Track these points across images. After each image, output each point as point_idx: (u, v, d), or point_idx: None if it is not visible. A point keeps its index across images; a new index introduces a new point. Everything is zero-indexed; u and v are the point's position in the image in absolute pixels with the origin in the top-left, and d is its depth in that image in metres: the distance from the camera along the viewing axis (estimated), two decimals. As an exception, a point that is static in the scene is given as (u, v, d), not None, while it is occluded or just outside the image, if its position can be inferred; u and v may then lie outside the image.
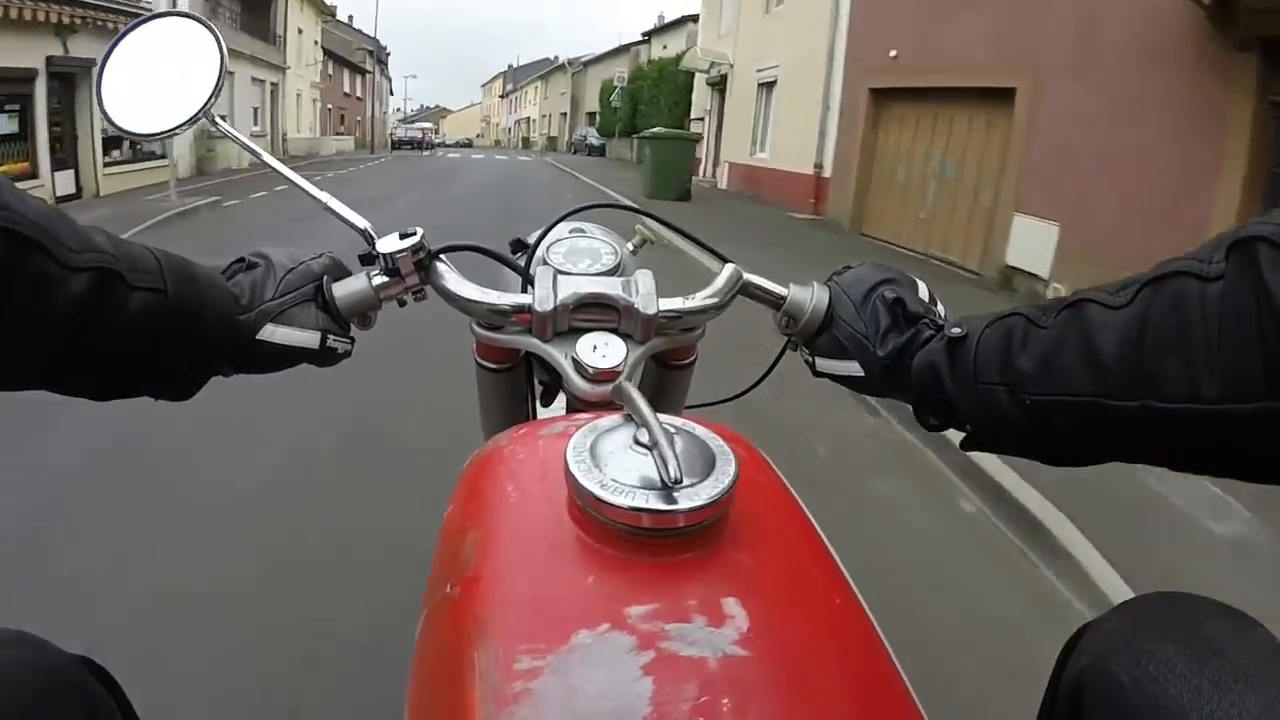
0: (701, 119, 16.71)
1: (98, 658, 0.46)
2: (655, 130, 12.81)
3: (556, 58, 49.85)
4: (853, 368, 0.63)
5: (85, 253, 0.45)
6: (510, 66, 70.42)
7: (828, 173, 10.16)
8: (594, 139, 30.95)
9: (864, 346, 0.62)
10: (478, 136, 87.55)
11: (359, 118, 40.01)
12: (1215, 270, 0.41)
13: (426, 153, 34.43)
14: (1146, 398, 0.42)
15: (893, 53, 8.31)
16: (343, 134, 32.54)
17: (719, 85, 15.35)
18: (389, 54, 57.70)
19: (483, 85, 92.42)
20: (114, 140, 10.47)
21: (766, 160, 12.66)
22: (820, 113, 10.19)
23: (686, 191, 11.66)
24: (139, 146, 10.87)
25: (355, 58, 40.88)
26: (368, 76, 43.53)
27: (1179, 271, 0.42)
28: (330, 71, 33.48)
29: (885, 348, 0.61)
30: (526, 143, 54.00)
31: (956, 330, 0.56)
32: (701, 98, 16.87)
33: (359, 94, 40.52)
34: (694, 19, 24.55)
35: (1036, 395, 0.49)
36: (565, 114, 41.76)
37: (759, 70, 12.80)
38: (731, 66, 14.34)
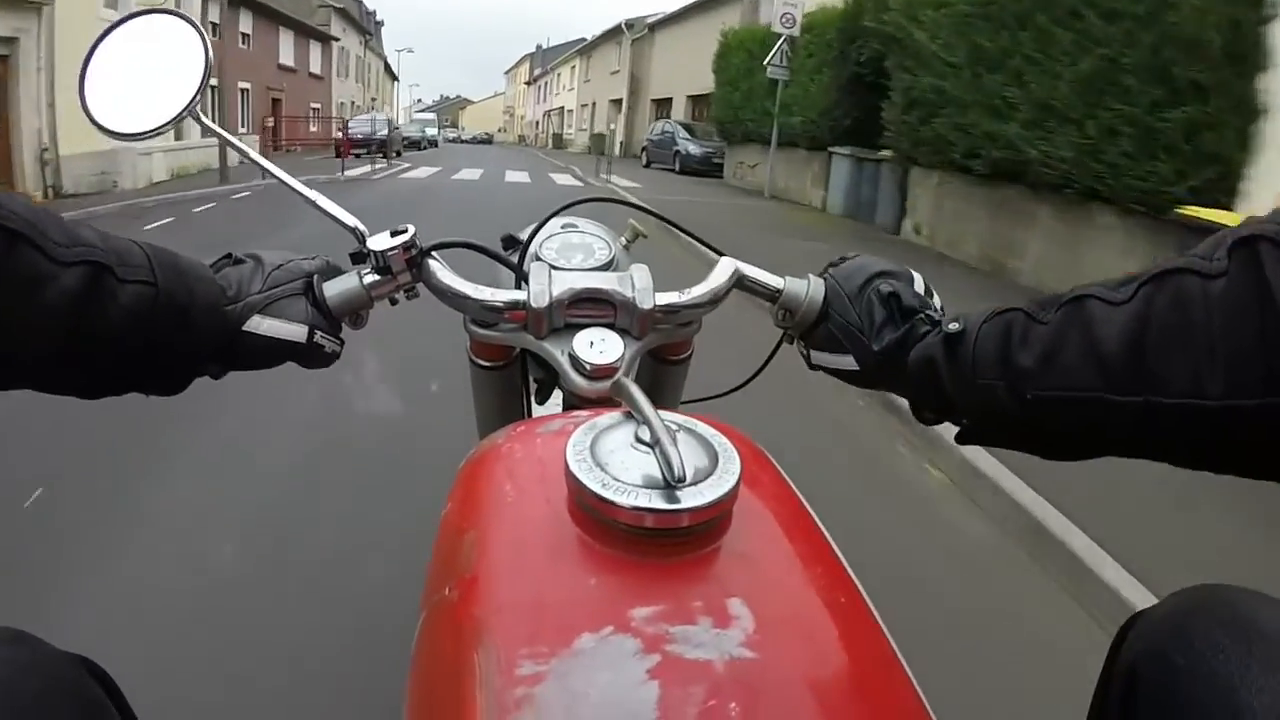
0: None
1: (95, 657, 0.44)
2: None
3: (587, 39, 36.60)
4: (848, 362, 0.62)
5: (74, 247, 0.45)
6: (539, 47, 57.47)
7: None
8: (690, 143, 16.42)
9: (859, 340, 0.62)
10: (499, 131, 75.13)
11: (315, 105, 27.09)
12: (1217, 268, 0.41)
13: (356, 172, 13.86)
14: (1149, 394, 0.43)
15: None
16: (273, 134, 19.52)
17: None
18: (381, 22, 44.81)
19: (505, 72, 78.99)
20: None
21: None
22: None
23: None
24: None
25: (315, 18, 27.95)
26: (333, 46, 30.60)
27: (1181, 269, 0.43)
28: (246, 28, 20.51)
29: (881, 342, 0.61)
30: (559, 141, 40.38)
31: (954, 326, 0.55)
32: None
33: (316, 70, 27.62)
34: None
35: (1037, 391, 0.49)
36: (620, 101, 28.35)
37: None
38: None
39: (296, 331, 0.56)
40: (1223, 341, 0.39)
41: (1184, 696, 0.40)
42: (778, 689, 0.33)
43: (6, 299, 0.41)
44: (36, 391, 0.47)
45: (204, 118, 0.65)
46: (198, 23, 0.65)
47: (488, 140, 62.58)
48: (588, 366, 0.57)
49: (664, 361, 0.73)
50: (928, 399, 0.58)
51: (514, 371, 0.72)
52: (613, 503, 0.37)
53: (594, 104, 33.18)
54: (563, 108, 42.35)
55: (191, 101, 0.62)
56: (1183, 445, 0.44)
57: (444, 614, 0.39)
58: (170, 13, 0.66)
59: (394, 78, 58.91)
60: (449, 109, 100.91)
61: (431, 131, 36.24)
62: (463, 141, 61.83)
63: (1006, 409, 0.51)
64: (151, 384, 0.53)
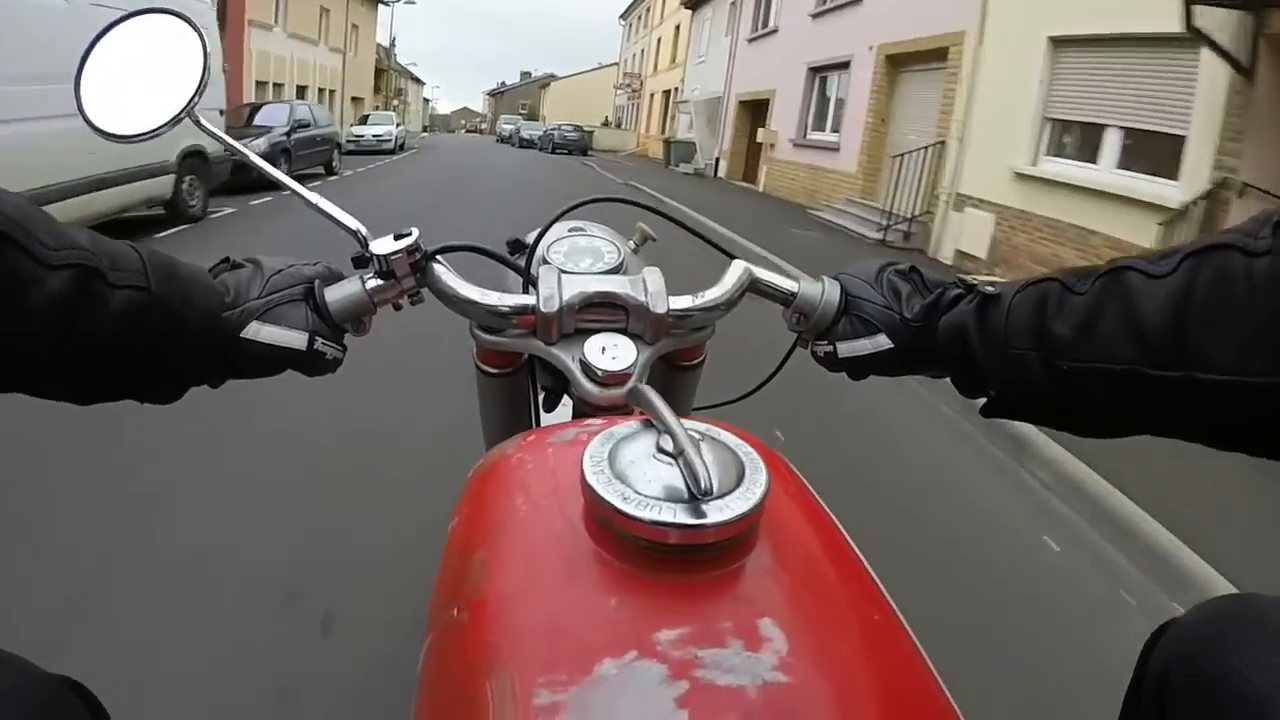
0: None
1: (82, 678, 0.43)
2: None
3: None
4: (879, 341, 0.60)
5: (64, 250, 0.44)
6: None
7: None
8: None
9: (888, 316, 0.60)
10: (608, 125, 39.66)
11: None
12: (1262, 245, 0.40)
13: None
14: (1190, 368, 0.42)
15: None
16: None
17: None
18: None
19: (621, 16, 44.04)
20: None
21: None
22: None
23: None
24: None
25: None
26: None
27: (1224, 244, 0.42)
28: None
29: (912, 309, 0.59)
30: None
31: (991, 289, 0.54)
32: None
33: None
34: None
35: (1072, 363, 0.48)
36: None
37: None
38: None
39: (296, 339, 0.55)
40: (1266, 319, 0.39)
41: (1216, 704, 0.40)
42: (814, 716, 0.31)
43: None
44: (26, 395, 0.46)
45: (203, 120, 0.63)
46: (197, 22, 0.64)
47: (578, 144, 25.87)
48: (599, 373, 0.56)
49: (676, 367, 0.72)
50: (958, 370, 0.57)
51: (522, 378, 0.71)
52: (634, 517, 0.35)
53: None
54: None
55: (189, 103, 0.61)
56: (1221, 423, 0.43)
57: (453, 638, 0.37)
58: (169, 12, 0.64)
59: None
60: (523, 91, 67.12)
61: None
62: (523, 142, 26.16)
63: (1039, 380, 0.50)
64: (146, 391, 0.52)
